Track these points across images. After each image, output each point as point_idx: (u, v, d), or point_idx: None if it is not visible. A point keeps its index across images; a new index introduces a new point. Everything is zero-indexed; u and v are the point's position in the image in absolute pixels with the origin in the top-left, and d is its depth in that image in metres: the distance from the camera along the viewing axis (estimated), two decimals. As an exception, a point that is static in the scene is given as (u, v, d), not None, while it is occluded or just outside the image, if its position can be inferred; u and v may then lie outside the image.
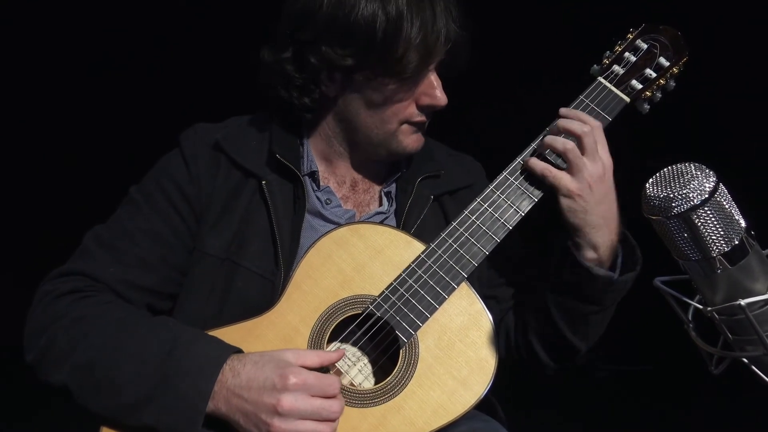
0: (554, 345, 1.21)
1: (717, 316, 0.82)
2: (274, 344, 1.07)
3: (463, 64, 1.20)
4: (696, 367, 0.93)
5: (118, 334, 1.04)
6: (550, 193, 1.15)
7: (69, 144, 2.99)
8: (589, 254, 1.14)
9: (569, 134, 1.14)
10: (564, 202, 1.13)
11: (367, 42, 1.10)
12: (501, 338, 1.25)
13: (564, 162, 1.13)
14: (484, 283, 1.26)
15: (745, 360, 0.82)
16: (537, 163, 1.14)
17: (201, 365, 0.99)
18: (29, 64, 2.91)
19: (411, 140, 1.21)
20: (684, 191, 0.74)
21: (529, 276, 1.28)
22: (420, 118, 1.20)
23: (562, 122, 1.15)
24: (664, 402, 3.03)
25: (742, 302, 0.76)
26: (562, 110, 1.18)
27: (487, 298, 1.19)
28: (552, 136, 1.15)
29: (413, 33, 1.10)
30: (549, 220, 1.17)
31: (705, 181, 0.74)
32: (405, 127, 1.20)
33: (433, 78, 1.17)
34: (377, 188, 1.29)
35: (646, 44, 1.24)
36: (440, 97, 1.18)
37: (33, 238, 2.88)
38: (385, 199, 1.27)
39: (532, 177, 1.16)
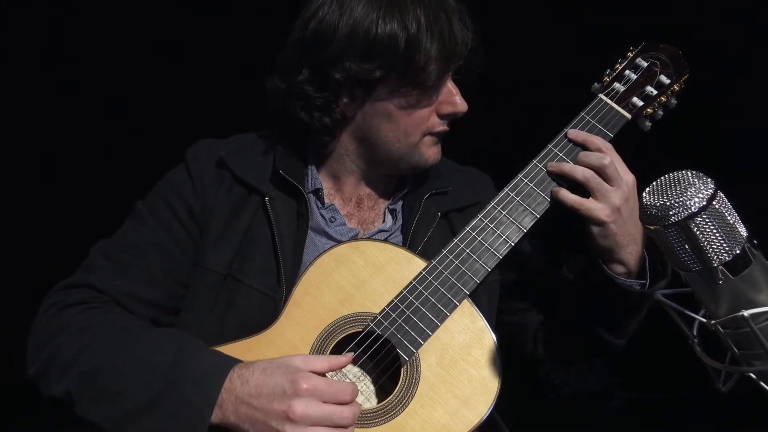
0: (595, 346, 1.21)
1: (721, 329, 0.79)
2: (273, 362, 1.05)
3: (479, 68, 1.21)
4: (711, 395, 0.90)
5: (124, 341, 1.03)
6: (552, 210, 1.15)
7: (73, 159, 2.98)
8: (619, 269, 1.16)
9: (590, 168, 1.14)
10: (595, 230, 1.14)
11: (390, 55, 1.11)
12: (539, 343, 1.25)
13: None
14: (514, 295, 1.26)
15: (752, 375, 0.80)
16: (568, 196, 1.15)
17: (207, 372, 0.98)
18: (22, 83, 2.89)
19: (432, 152, 1.22)
20: (681, 199, 0.73)
21: (557, 284, 1.27)
22: (442, 127, 1.21)
23: (581, 157, 1.16)
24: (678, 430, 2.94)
25: (746, 313, 0.74)
26: (570, 132, 1.19)
27: (524, 311, 1.20)
28: (571, 166, 1.16)
29: (433, 43, 1.12)
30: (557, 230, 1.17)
31: (703, 188, 0.73)
32: (427, 138, 1.20)
33: (451, 86, 1.19)
34: (382, 205, 1.28)
35: (647, 62, 1.25)
36: (460, 104, 1.19)
37: (38, 251, 2.88)
38: (389, 216, 1.26)
39: (533, 193, 1.16)
